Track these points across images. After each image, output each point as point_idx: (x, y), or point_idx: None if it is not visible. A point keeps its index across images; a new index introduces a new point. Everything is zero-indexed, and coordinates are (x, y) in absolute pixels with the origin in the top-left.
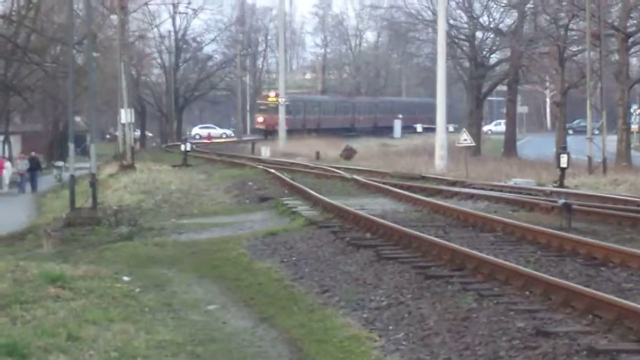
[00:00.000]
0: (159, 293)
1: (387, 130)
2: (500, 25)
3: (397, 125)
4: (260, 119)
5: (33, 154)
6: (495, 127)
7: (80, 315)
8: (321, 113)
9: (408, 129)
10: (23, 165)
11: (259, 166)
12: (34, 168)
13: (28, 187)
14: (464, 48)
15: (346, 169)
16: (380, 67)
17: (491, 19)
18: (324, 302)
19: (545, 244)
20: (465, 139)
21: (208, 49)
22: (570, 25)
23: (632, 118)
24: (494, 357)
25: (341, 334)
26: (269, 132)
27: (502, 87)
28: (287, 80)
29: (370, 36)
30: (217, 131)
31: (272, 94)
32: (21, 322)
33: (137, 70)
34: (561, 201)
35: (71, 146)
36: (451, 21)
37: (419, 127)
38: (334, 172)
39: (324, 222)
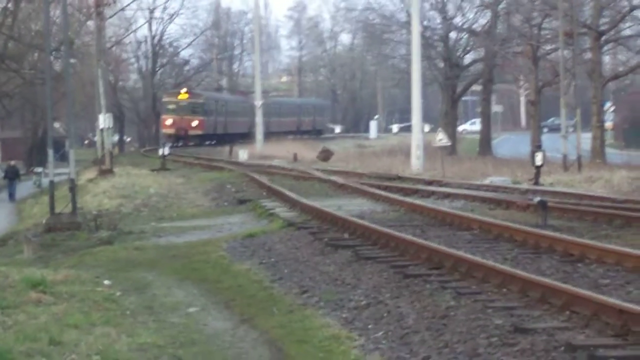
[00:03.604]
0: (140, 296)
1: (280, 136)
2: (474, 26)
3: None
4: (168, 121)
5: (12, 162)
6: (471, 127)
7: (62, 320)
8: (227, 115)
9: (290, 134)
10: None
11: (237, 169)
12: (12, 177)
13: (5, 195)
14: (439, 49)
15: (323, 171)
16: (356, 69)
17: (465, 20)
18: (303, 303)
19: (521, 241)
20: (441, 138)
21: (184, 54)
22: (544, 25)
23: (606, 115)
24: (473, 354)
25: (321, 334)
26: (180, 138)
27: (477, 87)
28: (263, 83)
29: (345, 38)
30: None
31: (183, 90)
32: (3, 327)
33: (114, 76)
34: (537, 199)
35: (50, 152)
36: (425, 22)
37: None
38: (311, 173)
39: (302, 224)
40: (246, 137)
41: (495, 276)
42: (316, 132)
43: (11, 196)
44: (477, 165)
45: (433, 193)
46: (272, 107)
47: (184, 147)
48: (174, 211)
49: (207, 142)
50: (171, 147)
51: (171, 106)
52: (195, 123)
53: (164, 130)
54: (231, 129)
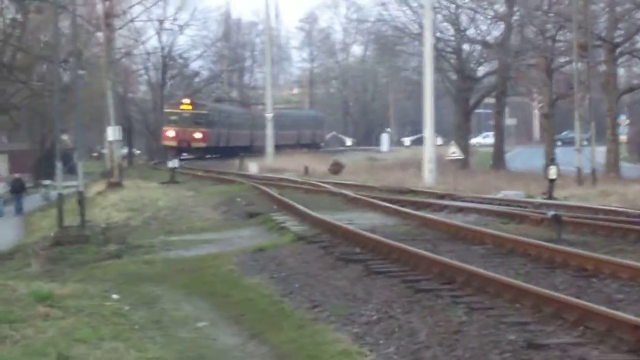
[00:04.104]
0: (149, 310)
1: (280, 149)
2: (487, 38)
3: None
4: (170, 132)
5: (17, 176)
6: (484, 140)
7: (70, 334)
8: (230, 127)
9: (289, 148)
10: (1, 188)
11: (247, 182)
12: (18, 190)
13: (11, 209)
14: (451, 61)
15: (334, 184)
16: (368, 81)
17: (478, 32)
18: (314, 318)
19: (535, 256)
20: (453, 152)
21: (194, 65)
22: (558, 37)
23: (621, 129)
24: None
25: (332, 349)
26: (183, 150)
27: (490, 100)
28: (274, 95)
29: (357, 50)
30: None
31: (186, 100)
32: (10, 341)
33: (123, 88)
34: (551, 213)
35: (58, 164)
36: (438, 34)
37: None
38: (322, 187)
39: (313, 237)
40: (248, 150)
41: (508, 291)
42: (315, 146)
43: (18, 210)
44: (490, 179)
45: (445, 207)
46: (274, 120)
47: (193, 160)
48: (183, 224)
49: (208, 156)
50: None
51: (173, 117)
52: (198, 135)
53: (165, 143)
54: (233, 141)
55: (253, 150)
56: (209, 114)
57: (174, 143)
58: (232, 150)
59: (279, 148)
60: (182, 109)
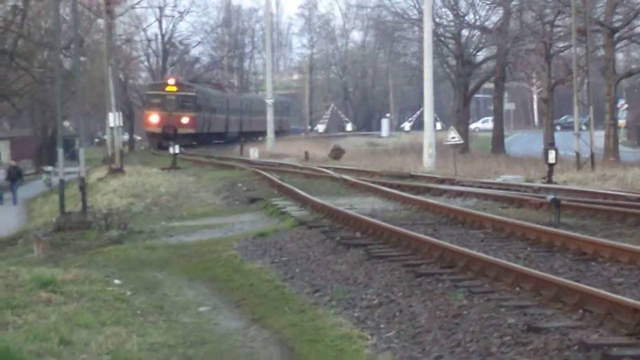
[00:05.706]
0: (150, 296)
1: (248, 137)
2: (486, 23)
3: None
4: (154, 117)
5: (13, 163)
6: (483, 125)
7: (72, 319)
8: (211, 111)
9: (258, 135)
10: (0, 175)
11: (248, 167)
12: (14, 178)
13: (10, 196)
14: (450, 46)
15: (335, 169)
16: (367, 67)
17: (477, 17)
18: (315, 302)
19: (534, 239)
20: (453, 136)
21: (195, 52)
22: (556, 22)
23: (619, 113)
24: (486, 354)
25: (333, 334)
26: (168, 137)
27: (489, 85)
28: (274, 81)
29: (356, 36)
30: None
31: (171, 81)
32: (13, 327)
33: (124, 74)
34: (550, 197)
35: (60, 151)
36: (437, 19)
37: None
38: (322, 172)
39: (313, 222)
40: (223, 137)
41: (508, 275)
42: (280, 133)
43: (13, 199)
44: (490, 163)
45: (445, 191)
46: (245, 104)
47: (191, 146)
48: (184, 210)
49: (195, 143)
50: (157, 149)
51: (157, 100)
52: (185, 120)
53: (149, 129)
54: (213, 127)
55: (228, 137)
56: (197, 96)
57: (158, 129)
58: (210, 136)
59: (245, 135)
60: (167, 91)
